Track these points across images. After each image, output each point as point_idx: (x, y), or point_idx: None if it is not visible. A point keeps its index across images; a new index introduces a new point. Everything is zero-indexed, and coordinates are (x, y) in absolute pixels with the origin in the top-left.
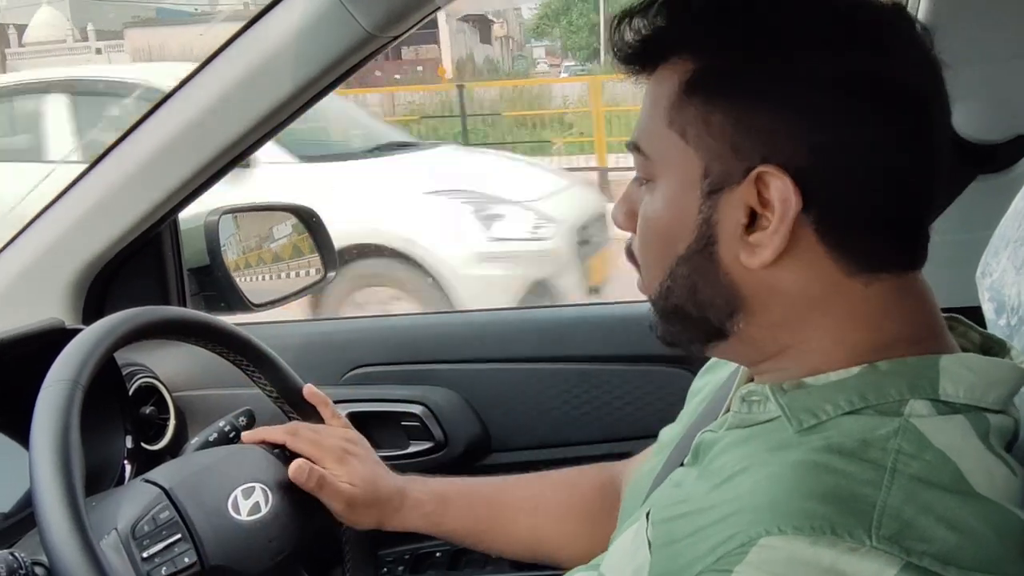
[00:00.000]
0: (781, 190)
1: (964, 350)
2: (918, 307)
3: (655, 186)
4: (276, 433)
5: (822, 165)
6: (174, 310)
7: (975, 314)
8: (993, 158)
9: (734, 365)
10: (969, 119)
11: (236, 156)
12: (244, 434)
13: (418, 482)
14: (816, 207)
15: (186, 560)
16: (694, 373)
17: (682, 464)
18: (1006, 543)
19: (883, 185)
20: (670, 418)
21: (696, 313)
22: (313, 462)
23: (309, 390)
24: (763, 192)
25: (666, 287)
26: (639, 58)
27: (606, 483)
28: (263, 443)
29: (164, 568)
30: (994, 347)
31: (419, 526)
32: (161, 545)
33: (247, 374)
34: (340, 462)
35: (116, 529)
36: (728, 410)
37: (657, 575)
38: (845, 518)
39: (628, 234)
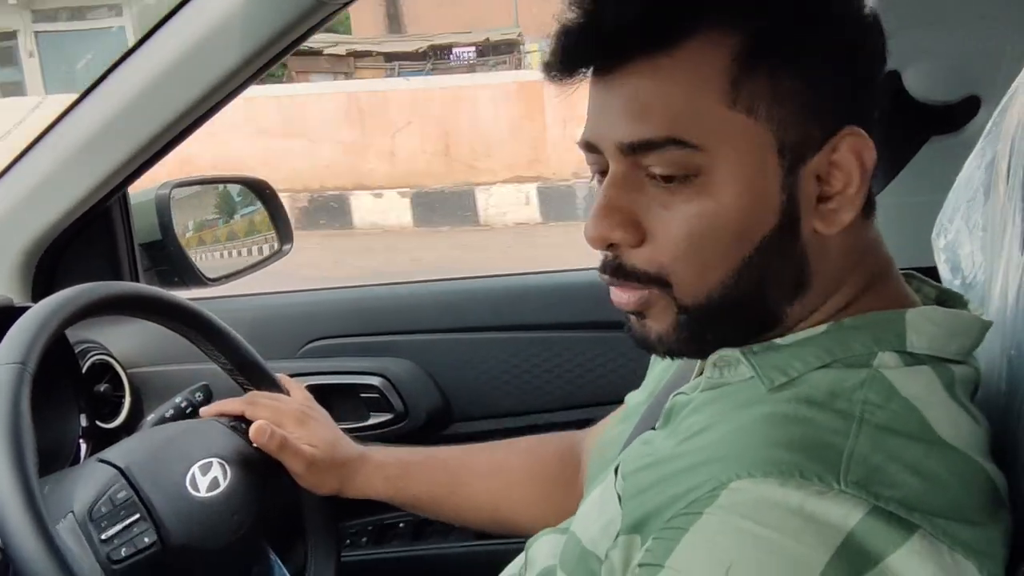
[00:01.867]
0: (861, 147)
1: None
2: (881, 247)
3: (708, 179)
4: (235, 404)
5: (872, 112)
6: (124, 285)
7: (931, 275)
8: (946, 119)
9: None
10: (922, 80)
11: (186, 127)
12: (203, 409)
13: (379, 449)
14: None
15: (146, 540)
16: None
17: (653, 428)
18: (969, 490)
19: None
20: (630, 384)
21: (758, 303)
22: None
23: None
24: (829, 154)
25: (730, 285)
26: (655, 37)
27: (566, 451)
28: (222, 415)
29: (124, 549)
30: (949, 300)
31: (380, 491)
32: (120, 526)
33: (202, 349)
34: (300, 424)
35: (72, 512)
36: (700, 374)
37: (628, 525)
38: (813, 464)
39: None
